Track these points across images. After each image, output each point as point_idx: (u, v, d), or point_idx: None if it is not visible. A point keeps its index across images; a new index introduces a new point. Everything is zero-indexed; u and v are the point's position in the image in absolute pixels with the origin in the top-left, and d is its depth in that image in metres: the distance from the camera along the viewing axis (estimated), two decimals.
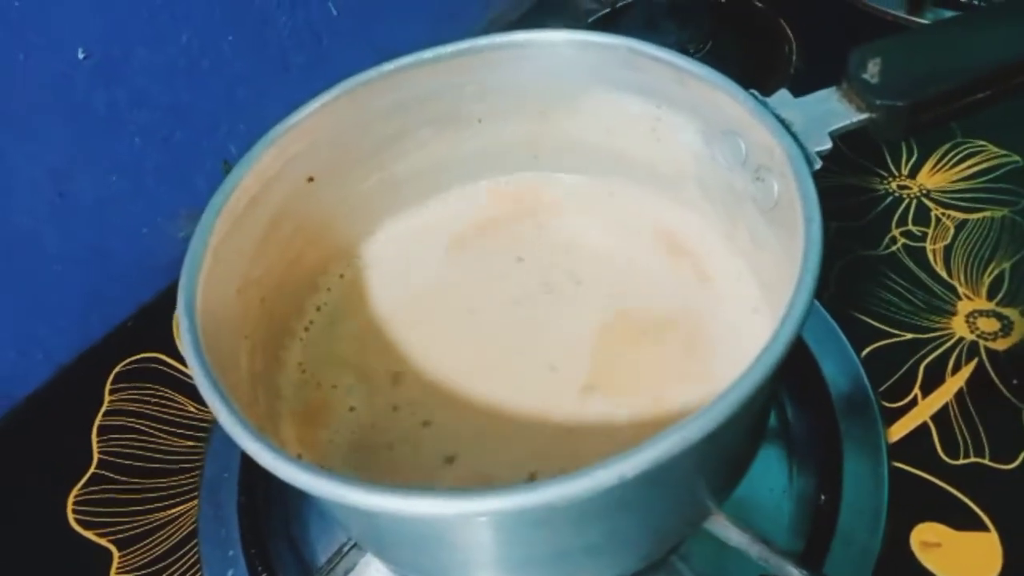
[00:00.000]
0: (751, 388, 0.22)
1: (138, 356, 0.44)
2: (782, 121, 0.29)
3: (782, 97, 0.30)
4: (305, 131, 0.32)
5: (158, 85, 0.47)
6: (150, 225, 0.50)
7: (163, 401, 0.42)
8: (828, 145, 0.29)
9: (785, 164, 0.28)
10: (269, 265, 0.32)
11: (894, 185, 0.45)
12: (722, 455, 0.27)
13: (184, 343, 0.26)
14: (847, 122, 0.29)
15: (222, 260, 0.29)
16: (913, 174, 0.46)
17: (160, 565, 0.37)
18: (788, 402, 0.38)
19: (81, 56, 0.42)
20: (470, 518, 0.23)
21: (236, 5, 0.49)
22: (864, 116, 0.29)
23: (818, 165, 0.28)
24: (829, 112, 0.29)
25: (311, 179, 0.33)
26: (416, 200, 0.38)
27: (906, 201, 0.44)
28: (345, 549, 0.32)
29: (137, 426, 0.42)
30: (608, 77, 0.33)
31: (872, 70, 0.29)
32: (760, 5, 0.53)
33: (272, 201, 0.32)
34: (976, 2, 0.55)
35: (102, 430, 0.42)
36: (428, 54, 0.33)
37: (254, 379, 0.31)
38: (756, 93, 0.30)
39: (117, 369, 0.44)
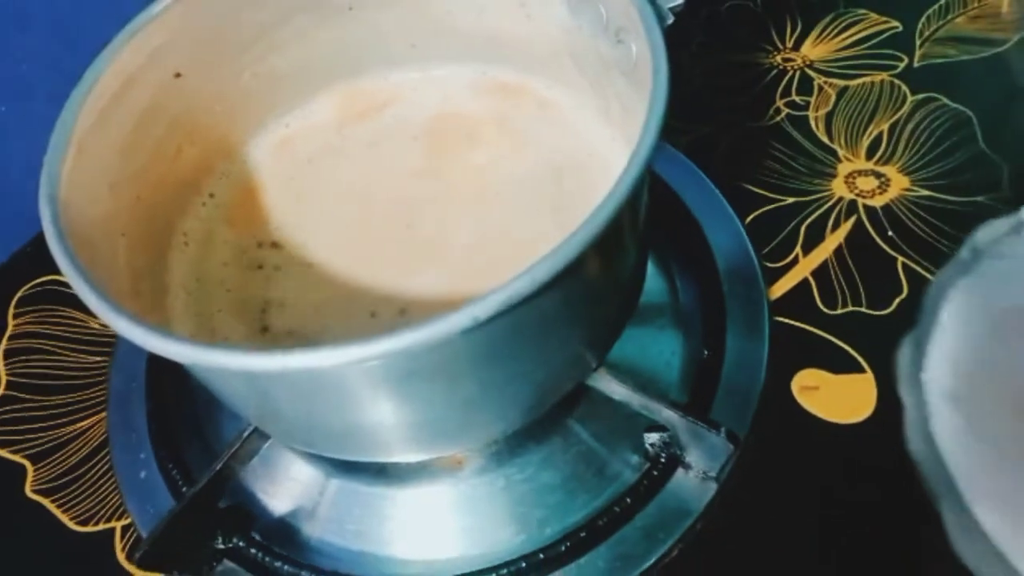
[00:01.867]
0: (593, 228, 0.23)
1: (39, 280, 0.44)
2: None
3: None
4: (166, 23, 0.31)
5: (41, 5, 0.46)
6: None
7: (66, 320, 0.42)
8: (679, 0, 0.29)
9: (638, 23, 0.28)
10: (143, 163, 0.32)
11: (779, 58, 0.46)
12: (586, 304, 0.28)
13: (46, 231, 0.26)
14: None
15: (89, 154, 0.29)
16: (797, 46, 0.46)
17: (74, 475, 0.37)
18: (676, 271, 0.39)
19: None
20: (330, 369, 0.23)
21: None
22: None
23: (670, 20, 0.29)
24: None
25: (178, 75, 0.33)
26: (302, 97, 0.38)
27: (790, 73, 0.45)
28: (245, 434, 0.33)
29: (42, 347, 0.42)
30: None
31: None
32: None
33: (138, 97, 0.31)
34: None
35: (8, 353, 0.42)
36: None
37: (136, 275, 0.31)
38: None
39: (19, 295, 0.44)
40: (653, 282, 0.39)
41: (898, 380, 0.23)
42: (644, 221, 0.31)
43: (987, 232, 0.26)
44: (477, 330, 0.23)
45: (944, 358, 0.23)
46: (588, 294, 0.28)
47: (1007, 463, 0.21)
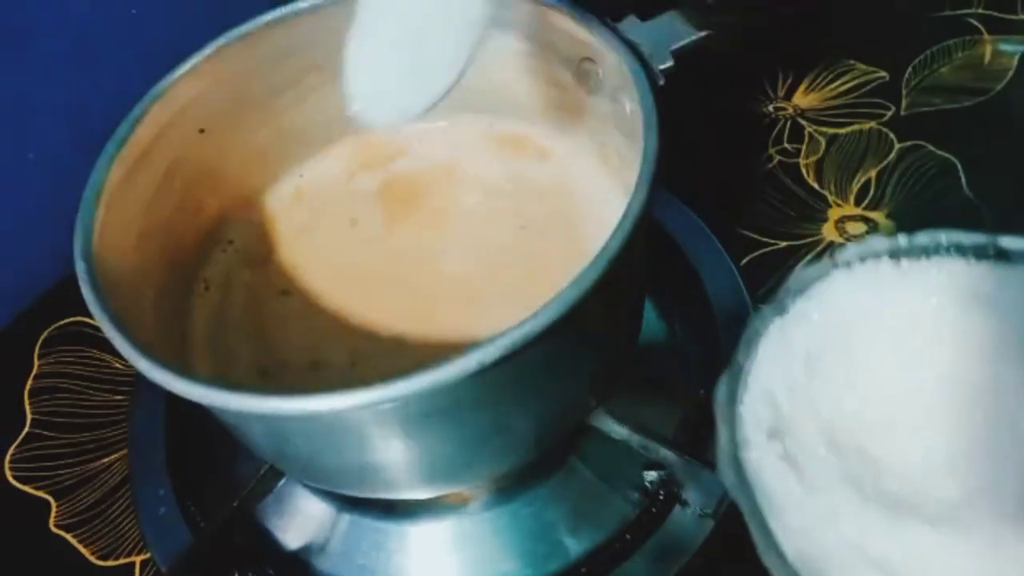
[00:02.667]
0: (591, 276, 0.25)
1: (65, 321, 0.46)
2: (630, 44, 0.31)
3: (631, 22, 0.32)
4: (191, 83, 0.34)
5: (66, 61, 0.48)
6: (72, 199, 0.52)
7: (91, 361, 0.44)
8: (671, 63, 0.31)
9: (631, 84, 0.30)
10: (168, 215, 0.34)
11: (771, 108, 0.48)
12: (587, 347, 0.30)
13: (82, 285, 0.28)
14: (688, 39, 0.32)
15: (117, 210, 0.31)
16: (789, 96, 0.48)
17: (97, 510, 0.39)
18: (673, 313, 0.41)
19: None
20: (346, 414, 0.25)
21: None
22: (703, 33, 0.32)
23: (661, 81, 0.31)
24: (672, 32, 0.32)
25: (202, 130, 0.35)
26: (315, 149, 0.40)
27: (782, 122, 0.47)
28: (261, 472, 0.35)
29: (67, 386, 0.44)
30: (475, 16, 0.35)
31: None
32: None
33: (165, 152, 0.34)
34: None
35: (34, 392, 0.44)
36: (304, 4, 0.35)
37: (163, 323, 0.33)
38: (607, 21, 0.32)
39: (45, 335, 0.46)
40: (651, 322, 0.41)
41: (715, 414, 0.24)
42: (642, 266, 0.33)
43: (801, 274, 0.27)
44: (483, 373, 0.24)
45: (760, 393, 0.24)
46: (589, 337, 0.29)
47: (814, 495, 0.22)
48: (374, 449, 0.29)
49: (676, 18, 0.32)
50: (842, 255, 0.25)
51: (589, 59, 0.33)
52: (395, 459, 0.29)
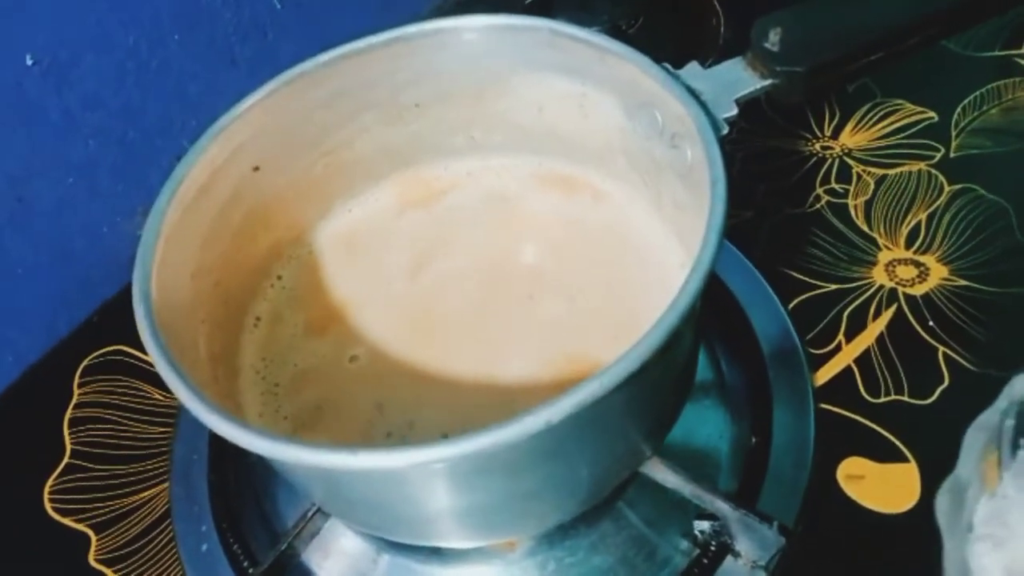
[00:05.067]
0: (659, 337, 0.25)
1: (104, 350, 0.46)
2: (692, 91, 0.31)
3: (692, 69, 0.32)
4: (248, 122, 0.34)
5: (108, 88, 0.48)
6: (109, 224, 0.52)
7: (130, 391, 0.44)
8: (735, 111, 0.31)
9: (694, 131, 0.30)
10: (222, 251, 0.34)
11: (818, 146, 0.48)
12: (646, 401, 0.29)
13: (140, 328, 0.28)
14: (751, 88, 0.31)
15: (174, 248, 0.31)
16: (836, 135, 0.48)
17: (137, 544, 0.39)
18: (722, 355, 0.40)
19: (29, 63, 0.43)
20: (407, 470, 0.25)
21: (182, 5, 0.50)
22: (767, 82, 0.31)
23: (725, 130, 0.30)
24: (735, 80, 0.32)
25: (257, 168, 0.35)
26: (365, 184, 0.40)
27: (829, 161, 0.47)
28: (309, 514, 0.34)
29: (107, 416, 0.43)
30: (534, 58, 0.35)
31: (773, 39, 0.31)
32: None
33: (221, 190, 0.33)
34: None
35: (73, 422, 0.44)
36: (361, 44, 0.35)
37: (214, 360, 0.33)
38: (668, 67, 0.32)
39: (84, 364, 0.46)
40: (702, 366, 0.40)
41: (938, 522, 0.24)
42: (699, 318, 0.32)
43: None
44: (546, 433, 0.24)
45: (985, 508, 0.24)
46: (648, 391, 0.29)
47: None
48: (426, 501, 0.28)
49: (739, 66, 0.32)
50: None
51: (649, 105, 0.33)
52: (446, 510, 0.29)
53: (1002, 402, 0.28)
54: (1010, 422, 0.27)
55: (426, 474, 0.26)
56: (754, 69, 0.32)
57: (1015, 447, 0.27)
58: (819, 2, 0.32)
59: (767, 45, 0.31)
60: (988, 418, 0.28)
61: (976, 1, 0.32)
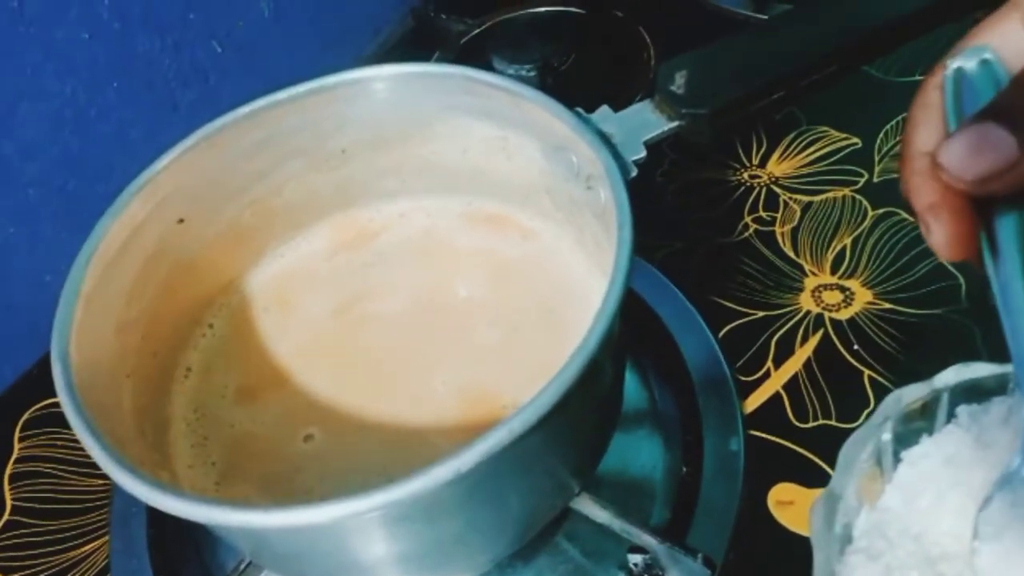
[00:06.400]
0: (563, 384, 0.25)
1: (45, 402, 0.46)
2: (603, 135, 0.32)
3: (604, 112, 0.33)
4: (169, 177, 0.34)
5: (46, 136, 0.48)
6: (53, 272, 0.52)
7: (71, 443, 0.44)
8: (643, 153, 0.32)
9: (603, 175, 0.31)
10: (148, 304, 0.34)
11: (746, 175, 0.49)
12: (568, 439, 0.30)
13: (58, 388, 0.28)
14: (660, 131, 0.32)
15: (96, 305, 0.31)
16: (763, 163, 0.49)
17: None
18: (654, 384, 0.41)
19: None
20: (324, 525, 0.25)
21: (119, 52, 0.51)
22: (674, 124, 0.32)
23: (633, 173, 0.31)
24: (644, 123, 0.32)
25: (181, 220, 0.35)
26: (296, 230, 0.41)
27: (757, 189, 0.48)
28: (243, 566, 0.34)
29: (47, 470, 0.43)
30: (455, 103, 0.36)
31: (679, 82, 0.32)
32: (619, 15, 0.56)
33: (144, 244, 0.34)
34: None
35: (14, 478, 0.43)
36: (282, 95, 0.35)
37: (140, 414, 0.33)
38: (580, 111, 0.33)
39: (25, 417, 0.46)
40: (635, 395, 0.41)
41: (811, 533, 0.25)
42: (622, 351, 0.33)
43: (899, 397, 0.29)
44: (460, 480, 0.24)
45: (866, 521, 0.24)
46: (567, 430, 0.30)
47: None
48: (350, 550, 0.29)
49: (647, 108, 0.33)
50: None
51: (564, 148, 0.33)
52: (372, 559, 0.29)
53: (878, 418, 0.29)
54: (887, 436, 0.28)
55: (341, 528, 0.27)
56: (661, 111, 0.32)
57: (896, 460, 0.28)
58: (722, 45, 0.33)
59: (672, 88, 0.32)
60: (864, 434, 0.29)
61: (874, 39, 0.33)
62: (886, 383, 0.39)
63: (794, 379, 0.40)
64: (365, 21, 0.68)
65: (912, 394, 0.30)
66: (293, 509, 0.24)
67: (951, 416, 0.31)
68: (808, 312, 0.42)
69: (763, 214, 0.47)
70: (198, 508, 0.25)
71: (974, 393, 0.30)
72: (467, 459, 0.24)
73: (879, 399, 0.38)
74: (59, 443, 0.44)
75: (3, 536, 0.41)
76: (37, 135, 0.48)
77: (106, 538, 0.40)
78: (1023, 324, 0.22)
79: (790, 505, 0.37)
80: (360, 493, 0.24)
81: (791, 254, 0.45)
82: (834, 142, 0.49)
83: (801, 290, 0.43)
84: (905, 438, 0.30)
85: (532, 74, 0.56)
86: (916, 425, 0.30)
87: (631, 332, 0.34)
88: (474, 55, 0.56)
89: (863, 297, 0.43)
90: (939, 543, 0.26)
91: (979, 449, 0.29)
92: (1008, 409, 0.29)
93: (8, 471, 0.43)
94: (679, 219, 0.47)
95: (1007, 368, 0.30)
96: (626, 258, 0.28)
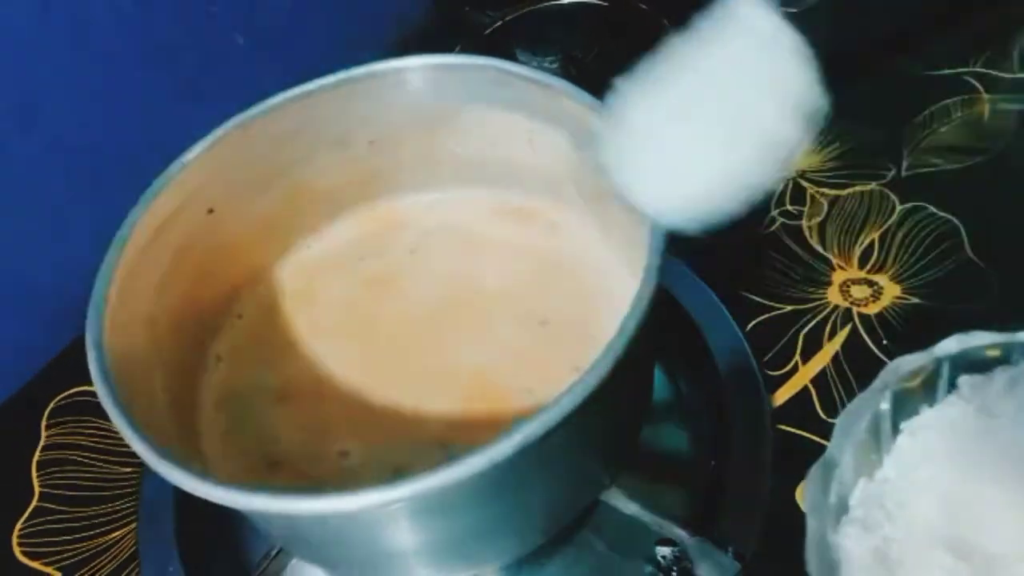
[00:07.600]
0: (595, 379, 0.25)
1: (71, 391, 0.46)
2: None
3: None
4: (199, 168, 0.34)
5: (73, 128, 0.49)
6: (79, 264, 0.52)
7: (98, 432, 0.44)
8: None
9: None
10: (178, 294, 0.34)
11: None
12: (598, 432, 0.30)
13: (93, 374, 0.28)
14: None
15: (128, 294, 0.31)
16: None
17: None
18: (681, 378, 0.41)
19: None
20: (359, 512, 0.25)
21: (143, 44, 0.51)
22: None
23: None
24: None
25: (211, 211, 0.35)
26: (322, 221, 0.41)
27: (783, 183, 0.47)
28: (272, 554, 0.34)
29: (75, 458, 0.44)
30: (483, 95, 0.36)
31: None
32: (643, 7, 0.56)
33: (174, 234, 0.34)
34: None
35: (41, 465, 0.44)
36: (311, 85, 0.35)
37: (173, 402, 0.33)
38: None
39: (52, 405, 0.46)
40: (659, 387, 0.41)
41: (804, 501, 0.24)
42: (652, 345, 0.33)
43: (898, 365, 0.28)
44: (495, 468, 0.24)
45: (853, 485, 0.24)
46: (600, 421, 0.29)
47: None
48: (382, 540, 0.29)
49: None
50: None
51: (594, 140, 0.33)
52: (403, 548, 0.29)
53: (877, 386, 0.28)
54: (885, 406, 0.27)
55: (374, 516, 0.27)
56: None
57: (895, 431, 0.27)
58: None
59: None
60: (861, 403, 0.28)
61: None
62: None
63: (822, 373, 0.40)
64: (387, 13, 0.68)
65: (912, 363, 0.29)
66: (331, 496, 0.24)
67: (952, 386, 0.30)
68: (836, 307, 0.42)
69: (790, 208, 0.46)
70: (241, 496, 0.25)
71: (976, 363, 0.30)
72: (502, 448, 0.24)
73: None
74: (86, 431, 0.44)
75: (31, 523, 0.41)
76: (64, 126, 0.48)
77: (133, 525, 0.40)
78: None
79: None
80: (395, 481, 0.24)
81: (819, 248, 0.44)
82: (861, 136, 0.49)
83: (829, 284, 0.43)
84: (904, 408, 0.29)
85: (555, 66, 0.56)
86: (916, 396, 0.30)
87: (659, 326, 0.33)
88: (498, 47, 0.56)
89: (892, 292, 0.42)
90: (938, 515, 0.26)
91: (981, 420, 0.28)
92: (1011, 379, 0.29)
93: (36, 458, 0.44)
94: None
95: (1010, 337, 0.29)
96: (658, 252, 0.28)
